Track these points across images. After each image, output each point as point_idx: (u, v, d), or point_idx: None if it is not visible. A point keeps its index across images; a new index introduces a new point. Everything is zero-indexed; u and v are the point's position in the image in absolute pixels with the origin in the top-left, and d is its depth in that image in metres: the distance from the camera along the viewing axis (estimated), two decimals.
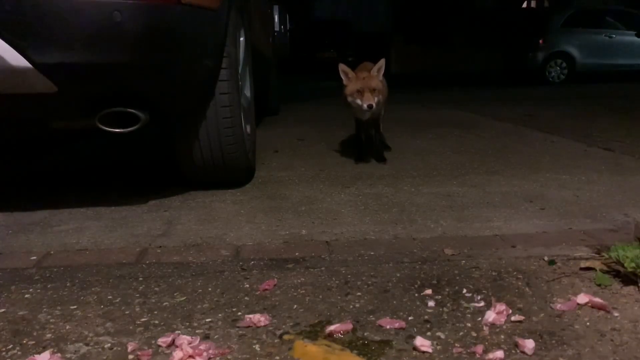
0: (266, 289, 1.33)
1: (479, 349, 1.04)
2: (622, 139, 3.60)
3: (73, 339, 1.11)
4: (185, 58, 1.90)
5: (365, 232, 1.78)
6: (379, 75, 2.73)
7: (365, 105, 2.63)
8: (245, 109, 2.52)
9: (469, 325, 1.14)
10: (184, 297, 1.30)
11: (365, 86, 2.68)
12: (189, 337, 1.09)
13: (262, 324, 1.15)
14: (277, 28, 6.86)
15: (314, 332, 1.12)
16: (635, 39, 10.68)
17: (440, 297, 1.28)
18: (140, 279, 1.41)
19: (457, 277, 1.38)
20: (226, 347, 1.07)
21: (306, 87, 10.54)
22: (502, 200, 2.13)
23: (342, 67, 2.71)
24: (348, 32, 18.45)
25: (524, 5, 19.63)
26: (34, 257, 1.59)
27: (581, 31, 10.76)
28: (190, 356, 1.02)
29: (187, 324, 1.17)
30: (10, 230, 1.88)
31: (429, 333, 1.11)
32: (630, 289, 1.29)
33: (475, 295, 1.27)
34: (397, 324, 1.14)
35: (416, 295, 1.29)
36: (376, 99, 2.67)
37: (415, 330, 1.12)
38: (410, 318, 1.17)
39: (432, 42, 16.61)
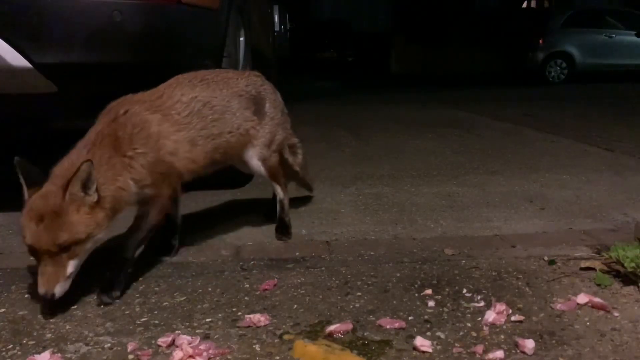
0: (266, 289, 1.33)
1: (479, 349, 1.04)
2: (622, 139, 3.60)
3: (73, 339, 1.11)
4: (185, 58, 1.90)
5: (365, 232, 1.78)
6: (89, 195, 1.20)
7: (39, 291, 1.17)
8: None
9: (469, 325, 1.14)
10: (184, 297, 1.30)
11: (37, 244, 1.17)
12: (189, 337, 1.09)
13: (262, 324, 1.15)
14: (277, 28, 6.87)
15: (314, 332, 1.12)
16: (635, 39, 10.67)
17: (440, 297, 1.27)
18: (140, 279, 1.41)
19: (457, 277, 1.38)
20: (226, 347, 1.07)
21: (306, 87, 10.53)
22: (502, 200, 2.13)
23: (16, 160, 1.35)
24: (348, 32, 18.43)
25: (524, 5, 19.62)
26: None
27: (581, 31, 10.76)
28: (190, 356, 1.02)
29: (187, 324, 1.17)
30: (10, 230, 1.88)
31: (429, 333, 1.11)
32: (630, 289, 1.29)
33: (475, 295, 1.27)
34: (397, 324, 1.14)
35: (416, 295, 1.29)
36: (72, 267, 1.19)
37: (415, 330, 1.12)
38: (410, 318, 1.17)
39: (432, 42, 16.58)
